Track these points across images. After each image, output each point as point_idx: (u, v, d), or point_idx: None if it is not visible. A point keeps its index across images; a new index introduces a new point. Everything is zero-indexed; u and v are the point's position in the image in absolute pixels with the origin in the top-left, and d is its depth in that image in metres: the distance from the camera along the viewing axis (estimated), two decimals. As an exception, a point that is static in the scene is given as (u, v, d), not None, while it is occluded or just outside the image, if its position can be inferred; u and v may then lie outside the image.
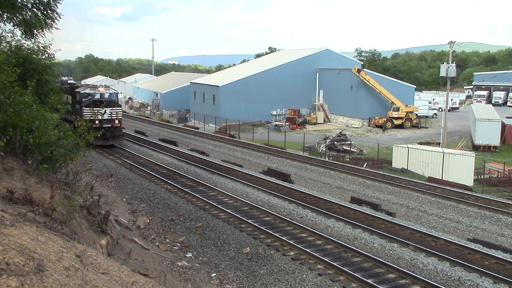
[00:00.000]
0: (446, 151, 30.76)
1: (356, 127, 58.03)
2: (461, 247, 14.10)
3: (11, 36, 17.09)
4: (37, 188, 8.42)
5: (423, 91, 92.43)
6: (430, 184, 24.15)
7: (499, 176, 33.59)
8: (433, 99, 76.54)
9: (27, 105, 9.96)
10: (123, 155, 28.82)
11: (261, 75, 62.39)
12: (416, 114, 60.02)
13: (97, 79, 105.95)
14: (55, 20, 15.87)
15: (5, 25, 16.17)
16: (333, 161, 33.71)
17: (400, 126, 57.23)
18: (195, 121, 60.39)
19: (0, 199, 6.39)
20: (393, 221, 16.69)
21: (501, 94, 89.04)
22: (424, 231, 15.53)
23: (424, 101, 68.94)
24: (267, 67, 64.41)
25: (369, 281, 11.16)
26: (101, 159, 27.87)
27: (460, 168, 29.26)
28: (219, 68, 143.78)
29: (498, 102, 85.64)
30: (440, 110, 67.84)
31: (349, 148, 41.29)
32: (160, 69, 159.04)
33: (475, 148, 44.30)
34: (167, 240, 14.82)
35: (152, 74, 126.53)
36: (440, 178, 27.13)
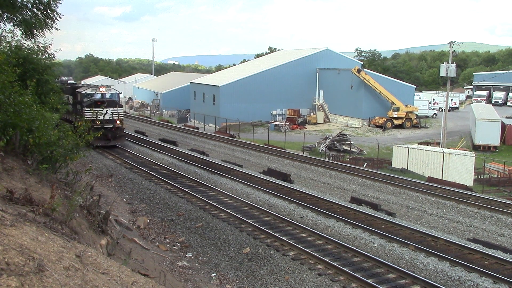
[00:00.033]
0: (446, 151, 30.76)
1: (356, 127, 58.03)
2: (461, 247, 14.10)
3: (11, 36, 17.13)
4: (37, 188, 8.42)
5: (423, 91, 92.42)
6: (430, 184, 24.15)
7: (499, 176, 33.59)
8: (433, 99, 76.54)
9: (27, 105, 9.97)
10: (123, 155, 28.82)
11: (261, 75, 62.39)
12: (416, 114, 60.02)
13: (97, 79, 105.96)
14: (55, 20, 15.87)
15: (5, 25, 16.20)
16: (333, 161, 33.71)
17: (400, 126, 57.23)
18: (195, 121, 60.40)
19: (0, 199, 6.39)
20: (393, 221, 16.69)
21: (501, 94, 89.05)
22: (424, 231, 15.53)
23: (424, 101, 68.94)
24: (267, 67, 64.41)
25: (369, 281, 11.16)
26: (101, 159, 27.87)
27: (460, 168, 29.26)
28: (219, 68, 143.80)
29: (498, 102, 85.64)
30: (440, 110, 67.84)
31: (349, 148, 41.29)
32: (160, 69, 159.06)
33: (475, 148, 44.30)
34: (167, 240, 14.82)
35: (152, 74, 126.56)
36: (440, 178, 27.13)
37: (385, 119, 57.30)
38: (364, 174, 26.42)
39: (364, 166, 32.61)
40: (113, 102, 30.62)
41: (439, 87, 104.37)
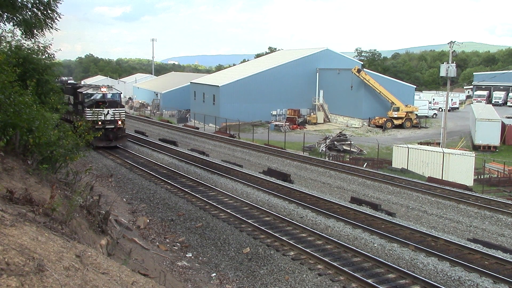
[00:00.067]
0: (446, 151, 30.75)
1: (356, 127, 58.03)
2: (461, 247, 14.10)
3: (11, 36, 17.11)
4: (37, 188, 8.42)
5: (423, 91, 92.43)
6: (430, 184, 24.15)
7: (499, 176, 33.59)
8: (433, 99, 76.55)
9: (27, 105, 9.97)
10: (123, 155, 28.81)
11: (261, 75, 62.39)
12: (416, 114, 60.03)
13: (97, 79, 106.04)
14: (55, 20, 15.86)
15: (5, 25, 16.18)
16: (333, 161, 33.71)
17: (400, 126, 57.23)
18: (195, 121, 60.40)
19: (0, 199, 6.39)
20: (393, 221, 16.69)
21: (501, 94, 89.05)
22: (424, 231, 15.53)
23: (424, 101, 68.95)
24: (267, 67, 64.41)
25: (369, 281, 11.17)
26: (101, 159, 27.87)
27: (460, 168, 29.26)
28: (219, 68, 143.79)
29: (498, 102, 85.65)
30: (440, 110, 67.86)
31: (349, 148, 41.29)
32: (160, 69, 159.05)
33: (475, 148, 44.30)
34: (167, 240, 14.82)
35: (152, 74, 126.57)
36: (440, 178, 27.13)
37: (385, 119, 57.31)
38: (364, 174, 26.42)
39: (364, 166, 32.61)
40: (115, 102, 30.53)
41: (439, 87, 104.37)
